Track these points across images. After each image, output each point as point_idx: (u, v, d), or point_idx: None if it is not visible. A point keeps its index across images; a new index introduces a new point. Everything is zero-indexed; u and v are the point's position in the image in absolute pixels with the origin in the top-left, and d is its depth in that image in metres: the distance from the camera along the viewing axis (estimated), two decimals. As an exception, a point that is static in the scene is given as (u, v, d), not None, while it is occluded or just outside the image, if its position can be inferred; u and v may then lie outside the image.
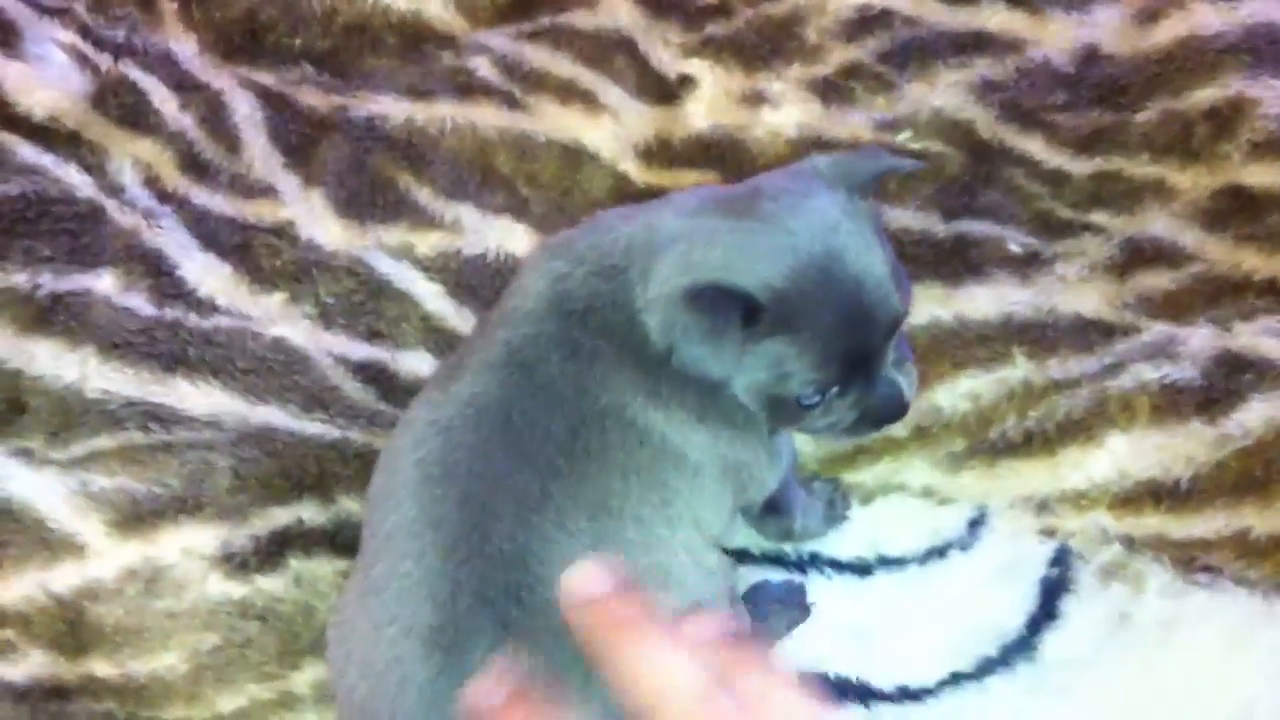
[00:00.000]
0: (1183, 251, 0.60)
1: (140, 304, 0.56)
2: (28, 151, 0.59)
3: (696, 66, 0.65)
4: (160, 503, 0.52)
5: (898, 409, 0.45)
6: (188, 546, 0.51)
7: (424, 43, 0.65)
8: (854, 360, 0.42)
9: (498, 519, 0.42)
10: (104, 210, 0.58)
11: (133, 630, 0.50)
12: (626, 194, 0.62)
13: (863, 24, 0.67)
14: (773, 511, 0.53)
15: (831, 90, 0.65)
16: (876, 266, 0.42)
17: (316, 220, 0.61)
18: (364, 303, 0.59)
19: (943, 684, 0.52)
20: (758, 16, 0.66)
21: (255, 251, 0.59)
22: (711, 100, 0.64)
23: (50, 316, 0.55)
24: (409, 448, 0.43)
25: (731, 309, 0.40)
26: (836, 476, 0.56)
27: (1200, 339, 0.57)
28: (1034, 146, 0.65)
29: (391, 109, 0.64)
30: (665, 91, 0.65)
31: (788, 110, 0.64)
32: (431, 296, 0.59)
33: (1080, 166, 0.64)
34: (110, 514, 0.52)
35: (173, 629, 0.50)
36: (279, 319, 0.57)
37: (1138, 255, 0.61)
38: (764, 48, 0.65)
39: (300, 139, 0.63)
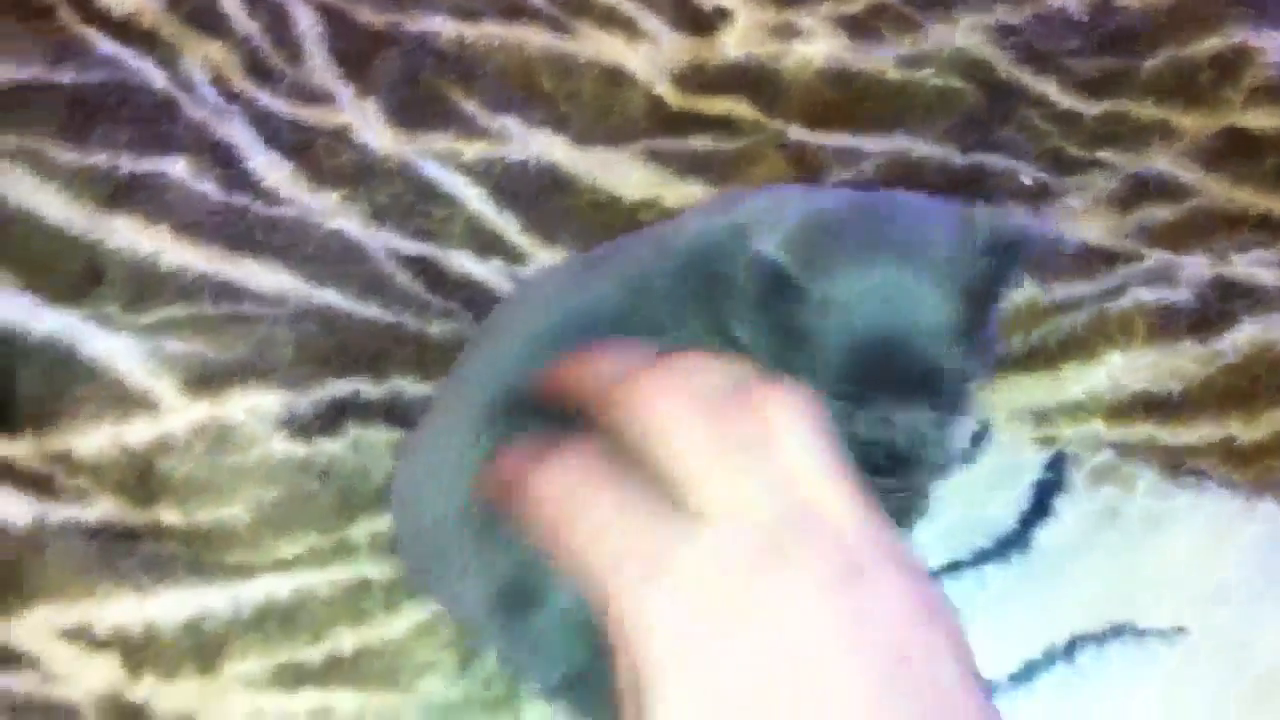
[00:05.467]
0: (1183, 187, 0.64)
1: (211, 189, 0.60)
2: (107, 45, 0.63)
3: (731, 0, 0.69)
4: (229, 368, 0.56)
5: (889, 457, 0.44)
6: (253, 407, 0.55)
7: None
8: (872, 388, 0.43)
9: None
10: (177, 103, 0.62)
11: (200, 482, 0.54)
12: (660, 115, 0.66)
13: (889, -31, 0.70)
14: None
15: (859, 27, 0.69)
16: (935, 320, 0.42)
17: (370, 126, 0.65)
18: (414, 204, 0.63)
19: (944, 569, 0.56)
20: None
21: (315, 152, 0.63)
22: (744, 31, 0.68)
23: (128, 195, 0.59)
24: (524, 314, 0.48)
25: (776, 288, 0.42)
26: None
27: (1196, 266, 0.61)
28: (1048, 88, 0.69)
29: (442, 27, 0.68)
30: (701, 22, 0.69)
31: (817, 44, 0.68)
32: (475, 199, 0.63)
33: (1090, 108, 0.68)
34: (182, 375, 0.56)
35: (238, 482, 0.54)
36: (336, 213, 0.61)
37: (1141, 190, 0.65)
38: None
39: (356, 52, 0.67)
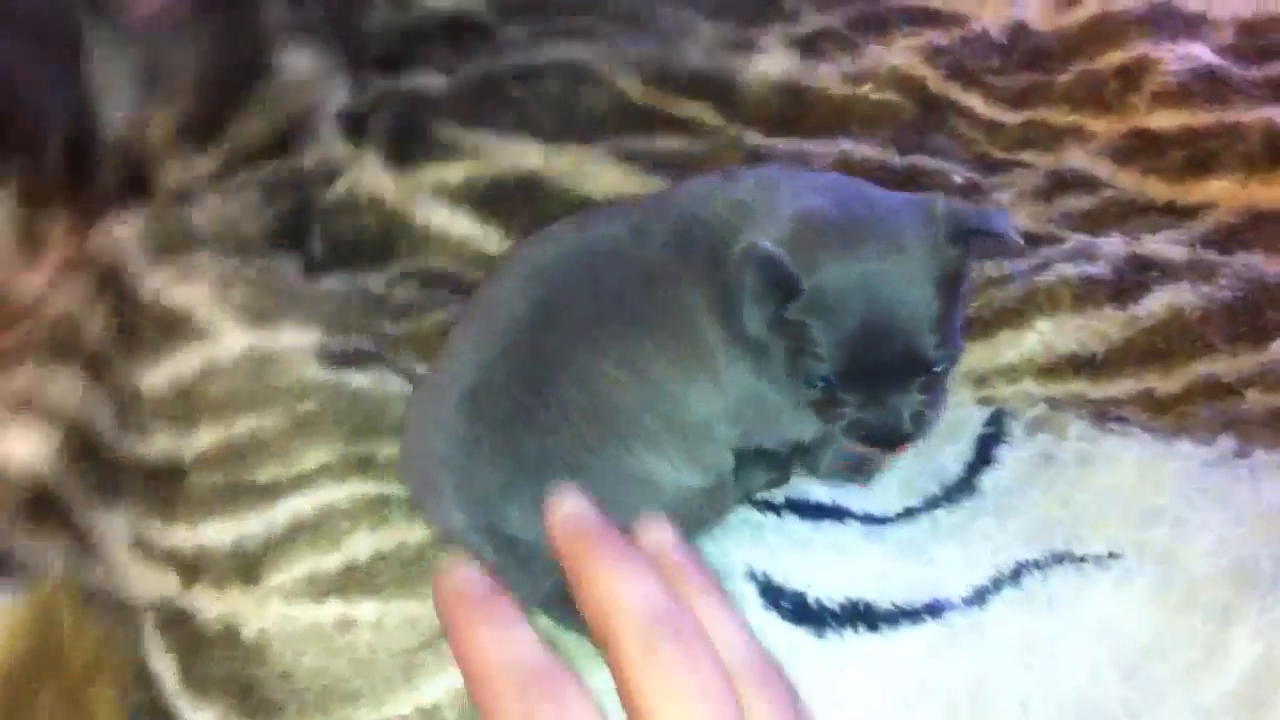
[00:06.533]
0: (1098, 180, 0.72)
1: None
2: None
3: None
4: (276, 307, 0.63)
5: (886, 433, 0.50)
6: (293, 341, 0.61)
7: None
8: (863, 372, 0.48)
9: (551, 326, 0.50)
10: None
11: (242, 395, 0.60)
12: (627, 113, 0.73)
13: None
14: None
15: (808, 46, 0.77)
16: (917, 309, 0.47)
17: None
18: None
19: (899, 515, 0.61)
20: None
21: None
22: (708, 43, 0.76)
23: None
24: (518, 262, 0.53)
25: (775, 281, 0.48)
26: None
27: (1113, 245, 0.68)
28: (974, 101, 0.77)
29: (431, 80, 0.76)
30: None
31: (772, 59, 0.76)
32: (462, 224, 0.70)
33: (1012, 117, 0.76)
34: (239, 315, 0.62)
35: (275, 395, 0.60)
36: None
37: (1060, 183, 0.72)
38: (749, 7, 0.77)
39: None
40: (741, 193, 0.54)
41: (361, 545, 0.55)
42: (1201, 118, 0.71)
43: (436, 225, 0.70)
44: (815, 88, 0.75)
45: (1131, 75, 0.74)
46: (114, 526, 0.57)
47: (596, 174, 0.71)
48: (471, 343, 0.52)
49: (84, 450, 0.59)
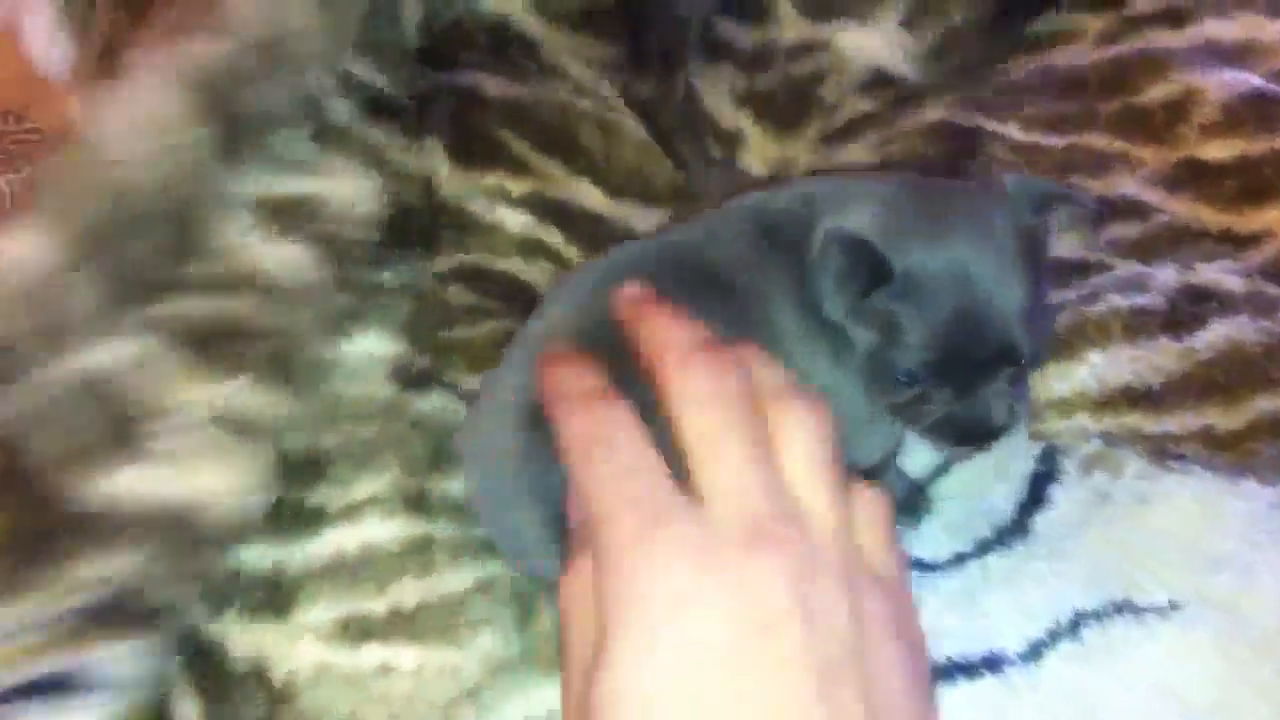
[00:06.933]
0: (1149, 206, 0.69)
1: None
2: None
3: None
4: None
5: (981, 428, 0.48)
6: (369, 349, 0.59)
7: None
8: (956, 364, 0.47)
9: (619, 346, 0.46)
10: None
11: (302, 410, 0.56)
12: (683, 195, 0.72)
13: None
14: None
15: (839, 136, 0.75)
16: (1010, 294, 0.46)
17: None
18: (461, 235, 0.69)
19: (949, 561, 0.58)
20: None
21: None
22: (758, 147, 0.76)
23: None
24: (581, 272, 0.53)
25: (864, 265, 0.46)
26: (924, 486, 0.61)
27: (1166, 274, 0.66)
28: (1009, 129, 0.74)
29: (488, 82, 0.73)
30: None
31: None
32: (520, 225, 0.69)
33: (1052, 141, 0.73)
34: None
35: (337, 411, 0.57)
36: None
37: (1109, 209, 0.70)
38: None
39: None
40: (807, 188, 0.52)
41: (407, 591, 0.53)
42: (1256, 145, 0.68)
43: (493, 219, 0.69)
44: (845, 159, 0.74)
45: (1178, 107, 0.72)
46: None
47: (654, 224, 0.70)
48: (530, 359, 0.49)
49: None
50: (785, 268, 0.49)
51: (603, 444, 0.37)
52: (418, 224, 0.67)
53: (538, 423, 0.45)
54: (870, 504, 0.40)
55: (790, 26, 0.77)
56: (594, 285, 0.50)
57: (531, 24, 0.74)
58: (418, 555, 0.54)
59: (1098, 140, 0.73)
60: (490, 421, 0.51)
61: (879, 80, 0.76)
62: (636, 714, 0.32)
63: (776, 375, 0.39)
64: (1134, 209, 0.69)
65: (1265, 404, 0.60)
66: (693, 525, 0.34)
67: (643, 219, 0.70)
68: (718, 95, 0.77)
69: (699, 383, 0.37)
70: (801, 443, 0.36)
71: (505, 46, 0.74)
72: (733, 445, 0.36)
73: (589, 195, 0.70)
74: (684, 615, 0.32)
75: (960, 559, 0.58)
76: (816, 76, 0.77)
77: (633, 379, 0.42)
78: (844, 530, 0.36)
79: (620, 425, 0.37)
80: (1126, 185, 0.70)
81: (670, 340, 0.39)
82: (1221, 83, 0.72)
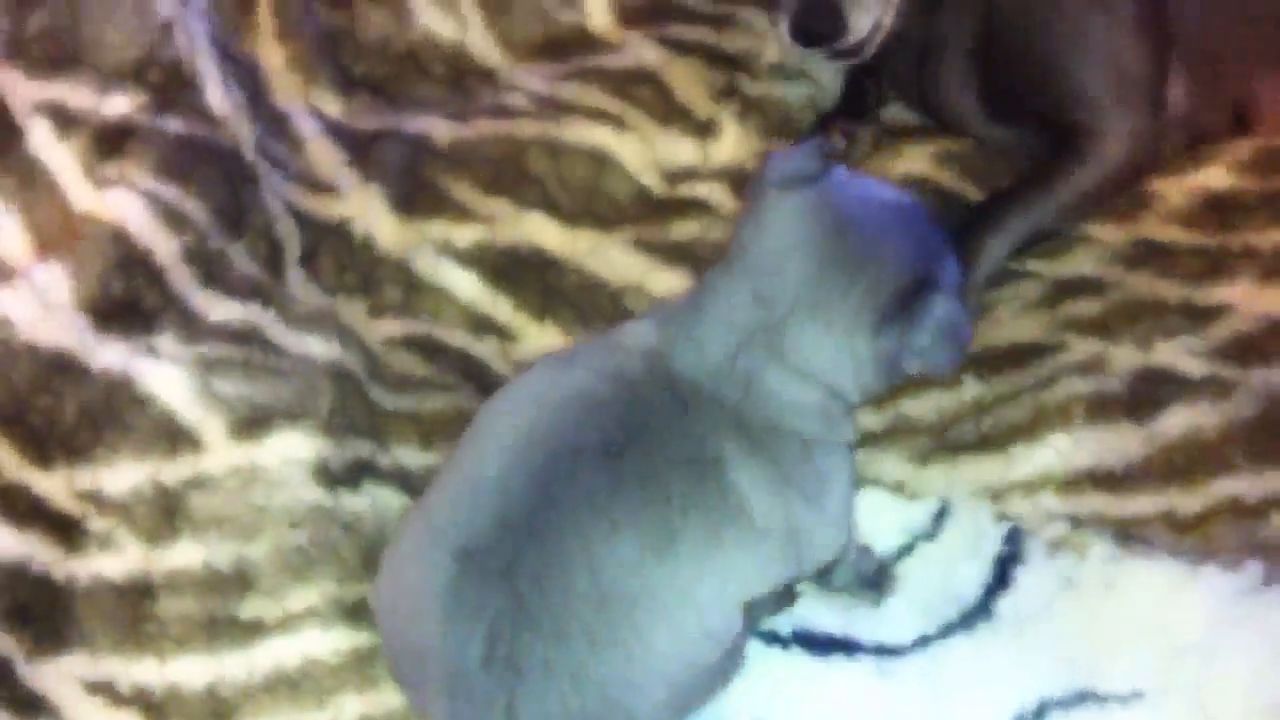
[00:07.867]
0: (1108, 282, 0.70)
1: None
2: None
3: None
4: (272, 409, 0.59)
5: None
6: (290, 451, 0.58)
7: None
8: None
9: (555, 506, 0.48)
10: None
11: (227, 518, 0.56)
12: (647, 203, 0.72)
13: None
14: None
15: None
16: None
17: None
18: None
19: (914, 644, 0.58)
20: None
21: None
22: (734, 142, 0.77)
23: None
24: (507, 411, 0.51)
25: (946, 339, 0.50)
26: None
27: (1124, 357, 0.66)
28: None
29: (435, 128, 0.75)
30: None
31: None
32: (469, 287, 0.69)
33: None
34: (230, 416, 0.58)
35: (263, 521, 0.56)
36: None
37: (1067, 289, 0.70)
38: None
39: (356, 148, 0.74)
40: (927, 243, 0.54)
41: (347, 708, 0.52)
42: (1213, 238, 0.70)
43: (438, 280, 0.69)
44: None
45: (1138, 195, 0.73)
46: (63, 672, 0.53)
47: (613, 260, 0.71)
48: (464, 502, 0.49)
49: (22, 603, 0.54)
50: (735, 417, 0.50)
51: None
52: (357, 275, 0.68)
53: (465, 623, 0.46)
54: None
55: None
56: (527, 437, 0.49)
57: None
58: (361, 670, 0.53)
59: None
60: (410, 593, 0.49)
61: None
62: None
63: None
64: (1091, 286, 0.70)
65: (1224, 486, 0.61)
66: None
67: (602, 260, 0.70)
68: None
69: None
70: None
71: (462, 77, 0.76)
72: None
73: (542, 230, 0.70)
74: None
75: (925, 641, 0.58)
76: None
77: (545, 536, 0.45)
78: None
79: None
80: (1085, 265, 0.71)
81: None
82: (1180, 184, 0.73)
